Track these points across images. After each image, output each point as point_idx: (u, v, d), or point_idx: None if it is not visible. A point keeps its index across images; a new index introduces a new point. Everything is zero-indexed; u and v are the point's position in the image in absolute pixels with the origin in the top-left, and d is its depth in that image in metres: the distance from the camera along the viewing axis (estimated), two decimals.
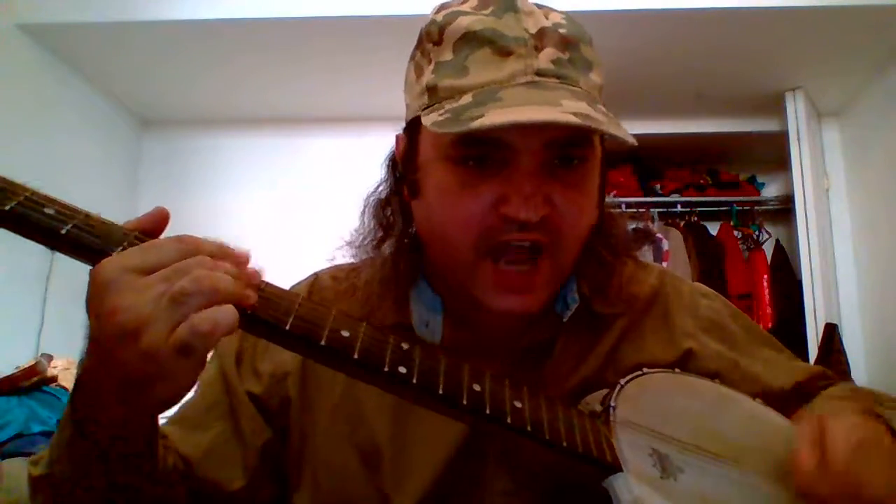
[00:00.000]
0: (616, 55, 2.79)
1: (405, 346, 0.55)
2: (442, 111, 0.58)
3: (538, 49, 0.59)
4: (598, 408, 0.64)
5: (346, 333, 0.52)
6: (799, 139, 3.05)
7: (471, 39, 0.59)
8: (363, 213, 0.71)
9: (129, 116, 3.43)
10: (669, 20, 2.57)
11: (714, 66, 2.88)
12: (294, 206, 3.27)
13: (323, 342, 0.51)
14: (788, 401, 0.75)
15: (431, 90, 0.61)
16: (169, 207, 0.53)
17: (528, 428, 0.56)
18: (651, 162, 3.54)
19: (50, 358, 2.24)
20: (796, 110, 3.07)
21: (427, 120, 0.58)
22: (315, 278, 0.78)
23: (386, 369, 0.52)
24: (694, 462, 0.62)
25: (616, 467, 0.57)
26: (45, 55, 2.81)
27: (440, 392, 0.53)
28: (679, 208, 3.41)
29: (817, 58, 2.82)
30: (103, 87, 3.16)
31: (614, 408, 0.62)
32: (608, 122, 0.55)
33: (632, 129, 0.58)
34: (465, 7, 0.63)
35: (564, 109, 0.54)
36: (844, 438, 0.58)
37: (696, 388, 0.71)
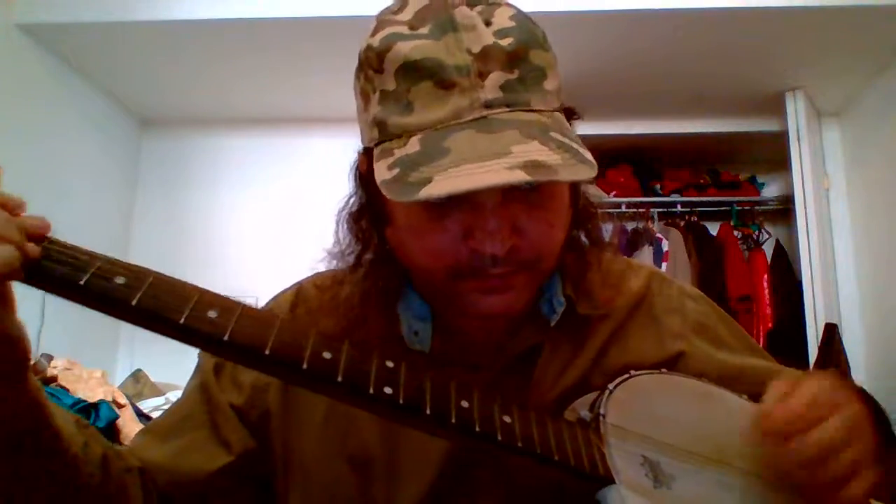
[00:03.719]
0: (616, 55, 2.79)
1: (390, 364, 0.54)
2: (391, 161, 0.56)
3: (483, 76, 0.56)
4: (587, 414, 0.63)
5: (327, 355, 0.51)
6: (799, 139, 3.05)
7: (411, 70, 0.56)
8: (338, 226, 0.70)
9: (128, 116, 3.42)
10: (669, 20, 2.57)
11: (714, 66, 2.88)
12: (293, 207, 3.27)
13: (305, 366, 0.50)
14: None
15: (380, 125, 0.59)
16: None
17: (519, 444, 0.55)
18: (651, 162, 3.54)
19: (50, 358, 2.24)
20: (796, 110, 3.06)
21: (379, 174, 0.56)
22: (299, 288, 0.77)
23: (371, 391, 0.51)
24: (686, 468, 0.62)
25: (609, 479, 0.57)
26: (45, 55, 2.81)
27: (427, 412, 0.52)
28: (679, 208, 3.40)
29: (817, 58, 2.82)
30: (103, 87, 3.16)
31: (604, 415, 0.62)
32: (561, 163, 0.53)
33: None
34: (402, 26, 0.59)
35: (513, 161, 0.51)
36: (811, 393, 0.60)
37: (685, 389, 0.71)
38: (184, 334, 0.49)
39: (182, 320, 0.48)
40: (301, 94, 3.21)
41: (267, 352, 0.49)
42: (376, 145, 0.59)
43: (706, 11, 2.51)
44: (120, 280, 0.47)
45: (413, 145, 0.55)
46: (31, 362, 0.51)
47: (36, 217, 0.48)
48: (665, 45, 2.73)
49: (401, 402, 0.52)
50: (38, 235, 0.47)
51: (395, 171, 0.55)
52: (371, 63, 0.59)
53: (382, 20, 0.61)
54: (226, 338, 0.48)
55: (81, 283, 0.46)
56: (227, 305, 0.51)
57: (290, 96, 3.24)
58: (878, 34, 2.60)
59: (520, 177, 0.51)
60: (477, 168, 0.52)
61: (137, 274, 0.49)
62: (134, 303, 0.47)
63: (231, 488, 0.69)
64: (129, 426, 2.12)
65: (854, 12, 2.47)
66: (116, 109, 3.32)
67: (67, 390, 2.08)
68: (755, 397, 0.73)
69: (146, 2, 2.63)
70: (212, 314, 0.49)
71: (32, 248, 0.46)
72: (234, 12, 2.62)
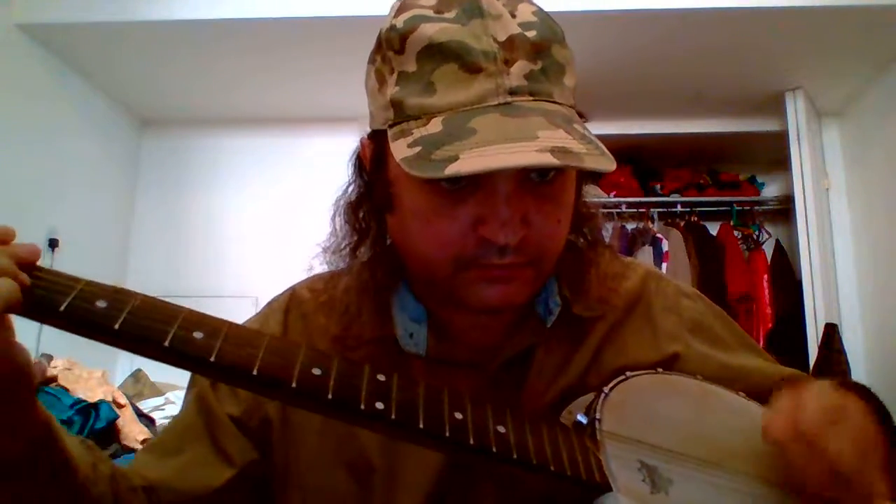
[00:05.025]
0: (616, 55, 2.79)
1: (381, 377, 0.53)
2: (412, 140, 0.55)
3: (508, 63, 0.55)
4: (583, 418, 0.63)
5: (317, 371, 0.51)
6: (799, 139, 3.05)
7: (435, 52, 0.55)
8: (334, 217, 0.69)
9: (128, 116, 3.43)
10: (669, 20, 2.57)
11: (714, 66, 2.88)
12: (293, 207, 3.27)
13: (294, 384, 0.49)
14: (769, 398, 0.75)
15: (397, 106, 0.57)
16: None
17: (514, 455, 0.54)
18: (651, 162, 3.54)
19: (50, 358, 2.24)
20: (796, 110, 3.07)
21: (398, 152, 0.55)
22: (292, 293, 0.75)
23: (362, 407, 0.50)
24: (683, 472, 0.61)
25: (606, 486, 0.56)
26: (45, 55, 2.81)
27: (420, 426, 0.52)
28: (679, 208, 3.41)
29: (817, 58, 2.82)
30: (103, 87, 3.17)
31: (599, 420, 0.61)
32: (586, 152, 0.53)
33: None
34: (427, 10, 0.58)
35: (541, 145, 0.51)
36: (817, 408, 0.59)
37: (681, 389, 0.70)
38: (169, 357, 0.48)
39: (167, 343, 0.47)
40: (301, 94, 3.21)
41: (255, 372, 0.48)
42: (391, 126, 0.58)
43: (706, 11, 2.51)
44: (101, 304, 0.47)
45: (435, 126, 0.54)
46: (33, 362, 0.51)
47: (26, 245, 0.47)
48: (665, 45, 2.73)
49: (393, 417, 0.51)
50: (29, 263, 0.46)
51: (417, 148, 0.54)
52: (392, 44, 0.58)
53: (406, 3, 0.60)
54: (212, 359, 0.48)
55: (61, 308, 0.45)
56: (213, 325, 0.50)
57: (290, 96, 3.24)
58: (878, 34, 2.60)
59: (549, 160, 0.51)
60: (505, 149, 0.51)
61: (121, 297, 0.48)
62: (117, 326, 0.46)
63: (238, 500, 0.68)
64: (129, 426, 2.12)
65: (854, 12, 2.47)
66: (116, 109, 3.33)
67: (67, 390, 2.08)
68: (754, 397, 0.72)
69: (146, 2, 2.63)
70: (197, 335, 0.49)
71: (25, 278, 0.45)
72: (234, 12, 2.62)
